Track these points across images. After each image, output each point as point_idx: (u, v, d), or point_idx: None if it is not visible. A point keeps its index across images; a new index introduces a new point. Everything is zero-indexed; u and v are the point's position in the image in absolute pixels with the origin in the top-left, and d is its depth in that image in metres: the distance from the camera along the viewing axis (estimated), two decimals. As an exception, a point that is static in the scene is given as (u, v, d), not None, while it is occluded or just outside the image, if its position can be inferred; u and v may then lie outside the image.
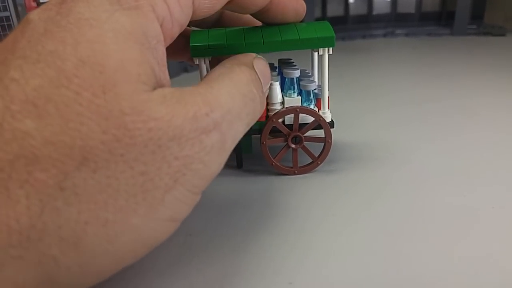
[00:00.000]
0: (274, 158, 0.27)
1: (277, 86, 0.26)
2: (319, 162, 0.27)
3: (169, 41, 0.18)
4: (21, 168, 0.13)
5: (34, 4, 0.50)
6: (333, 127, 0.27)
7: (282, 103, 0.27)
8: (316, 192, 0.26)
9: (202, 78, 0.24)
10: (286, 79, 0.27)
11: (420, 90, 0.46)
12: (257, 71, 0.20)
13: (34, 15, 0.15)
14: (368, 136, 0.33)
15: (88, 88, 0.13)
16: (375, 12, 0.79)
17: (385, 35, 0.76)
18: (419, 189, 0.25)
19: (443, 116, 0.37)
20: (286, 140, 0.27)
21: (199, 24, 0.26)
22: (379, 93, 0.45)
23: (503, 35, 0.72)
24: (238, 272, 0.19)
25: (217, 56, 0.24)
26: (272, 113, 0.26)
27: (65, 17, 0.14)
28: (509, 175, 0.26)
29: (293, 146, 0.27)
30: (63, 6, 0.15)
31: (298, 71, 0.27)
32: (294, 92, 0.27)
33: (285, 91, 0.27)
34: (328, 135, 0.27)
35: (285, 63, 0.29)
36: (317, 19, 0.79)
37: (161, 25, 0.16)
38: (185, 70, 0.63)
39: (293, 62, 0.29)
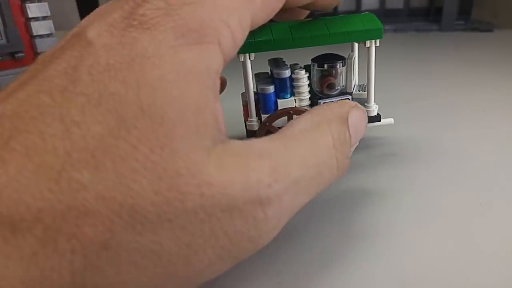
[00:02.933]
0: None
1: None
2: None
3: (225, 66, 0.16)
4: (71, 220, 0.12)
5: (18, 1, 0.49)
6: (379, 121, 0.27)
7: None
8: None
9: (246, 76, 0.24)
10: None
11: (408, 86, 0.46)
12: (351, 127, 0.18)
13: (95, 35, 0.14)
14: (364, 136, 0.33)
15: (146, 142, 0.13)
16: (363, 8, 0.79)
17: (373, 31, 0.76)
18: (406, 187, 0.25)
19: (431, 112, 0.37)
20: None
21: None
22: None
23: (490, 30, 0.72)
24: (227, 272, 0.19)
25: (264, 51, 0.23)
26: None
27: (129, 50, 0.14)
28: (497, 171, 0.26)
29: None
30: (126, 35, 0.14)
31: (289, 70, 0.26)
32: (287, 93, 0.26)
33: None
34: None
35: (276, 62, 0.28)
36: (307, 16, 0.78)
37: (224, 54, 0.15)
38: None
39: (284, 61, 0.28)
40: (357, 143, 0.19)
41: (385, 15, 0.80)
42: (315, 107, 0.19)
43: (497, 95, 0.41)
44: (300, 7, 0.23)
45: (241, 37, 0.16)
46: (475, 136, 0.32)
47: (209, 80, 0.14)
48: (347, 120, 0.18)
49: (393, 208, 0.23)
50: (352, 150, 0.19)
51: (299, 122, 0.17)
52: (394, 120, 0.28)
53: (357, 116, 0.18)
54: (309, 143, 0.16)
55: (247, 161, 0.14)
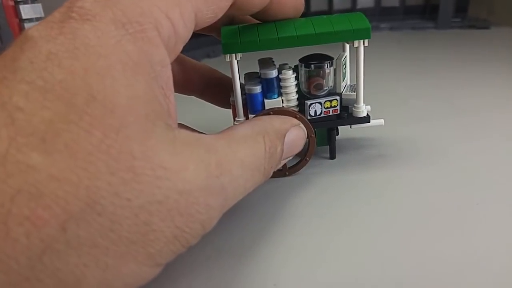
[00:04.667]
0: None
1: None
2: (307, 159, 0.27)
3: (173, 57, 0.17)
4: (23, 203, 0.12)
5: (11, 3, 0.49)
6: (369, 122, 0.27)
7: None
8: (301, 193, 0.25)
9: (233, 76, 0.24)
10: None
11: (404, 85, 0.46)
12: (286, 143, 0.20)
13: (34, 31, 0.14)
14: (348, 135, 0.33)
15: (99, 127, 0.13)
16: (359, 6, 0.79)
17: (369, 30, 0.76)
18: (404, 187, 0.25)
19: (427, 111, 0.37)
20: None
21: (207, 31, 0.25)
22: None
23: (487, 28, 0.72)
24: (223, 274, 0.19)
25: (250, 51, 0.23)
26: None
27: (71, 40, 0.14)
28: (493, 171, 0.26)
29: None
30: (66, 26, 0.14)
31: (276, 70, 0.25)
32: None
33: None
34: (309, 130, 0.26)
35: (265, 62, 0.28)
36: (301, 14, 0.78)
37: (165, 45, 0.16)
38: (207, 55, 0.62)
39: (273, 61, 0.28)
40: (291, 157, 0.22)
41: (381, 13, 0.79)
42: (259, 117, 0.20)
43: (494, 93, 0.41)
44: (253, 16, 0.23)
45: (183, 31, 0.17)
46: (472, 135, 0.31)
47: (153, 72, 0.15)
48: (284, 137, 0.20)
49: (389, 209, 0.23)
50: (284, 162, 0.22)
51: (242, 128, 0.19)
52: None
53: (294, 134, 0.21)
54: (248, 150, 0.18)
55: (197, 152, 0.15)
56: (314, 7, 0.79)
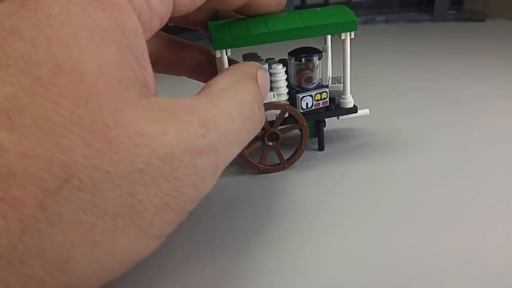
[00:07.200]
0: (259, 163, 0.27)
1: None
2: (303, 148, 0.27)
3: (149, 35, 0.16)
4: None
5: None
6: (356, 112, 0.27)
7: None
8: (294, 190, 0.25)
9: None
10: None
11: (400, 78, 0.46)
12: (260, 85, 0.19)
13: None
14: (345, 128, 0.33)
15: (68, 97, 0.12)
16: (355, -1, 0.78)
17: (365, 22, 0.76)
18: (399, 183, 0.25)
19: (422, 105, 0.37)
20: (262, 140, 0.26)
21: (193, 24, 0.25)
22: (358, 83, 0.44)
23: (482, 20, 0.72)
24: (217, 273, 0.19)
25: (241, 47, 0.23)
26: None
27: (32, 11, 0.13)
28: (489, 166, 0.26)
29: (270, 144, 0.26)
30: None
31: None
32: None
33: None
34: (300, 119, 0.26)
35: (251, 57, 0.28)
36: (296, 7, 0.78)
37: (138, 16, 0.15)
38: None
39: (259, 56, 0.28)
40: (264, 100, 0.21)
41: (377, 5, 0.79)
42: (229, 67, 0.20)
43: (489, 85, 0.41)
44: (235, 11, 0.23)
45: (159, 5, 0.16)
46: (467, 128, 0.31)
47: (125, 39, 0.14)
48: (256, 79, 0.19)
49: (384, 205, 0.23)
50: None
51: (220, 81, 0.18)
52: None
53: (263, 76, 0.20)
54: (233, 100, 0.17)
55: (177, 115, 0.14)
56: (310, 0, 0.79)
